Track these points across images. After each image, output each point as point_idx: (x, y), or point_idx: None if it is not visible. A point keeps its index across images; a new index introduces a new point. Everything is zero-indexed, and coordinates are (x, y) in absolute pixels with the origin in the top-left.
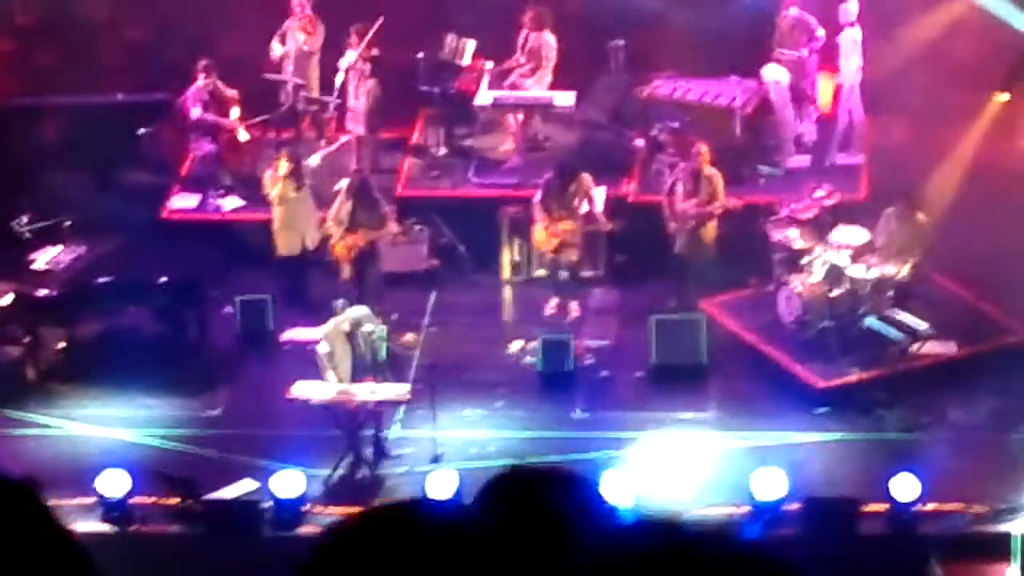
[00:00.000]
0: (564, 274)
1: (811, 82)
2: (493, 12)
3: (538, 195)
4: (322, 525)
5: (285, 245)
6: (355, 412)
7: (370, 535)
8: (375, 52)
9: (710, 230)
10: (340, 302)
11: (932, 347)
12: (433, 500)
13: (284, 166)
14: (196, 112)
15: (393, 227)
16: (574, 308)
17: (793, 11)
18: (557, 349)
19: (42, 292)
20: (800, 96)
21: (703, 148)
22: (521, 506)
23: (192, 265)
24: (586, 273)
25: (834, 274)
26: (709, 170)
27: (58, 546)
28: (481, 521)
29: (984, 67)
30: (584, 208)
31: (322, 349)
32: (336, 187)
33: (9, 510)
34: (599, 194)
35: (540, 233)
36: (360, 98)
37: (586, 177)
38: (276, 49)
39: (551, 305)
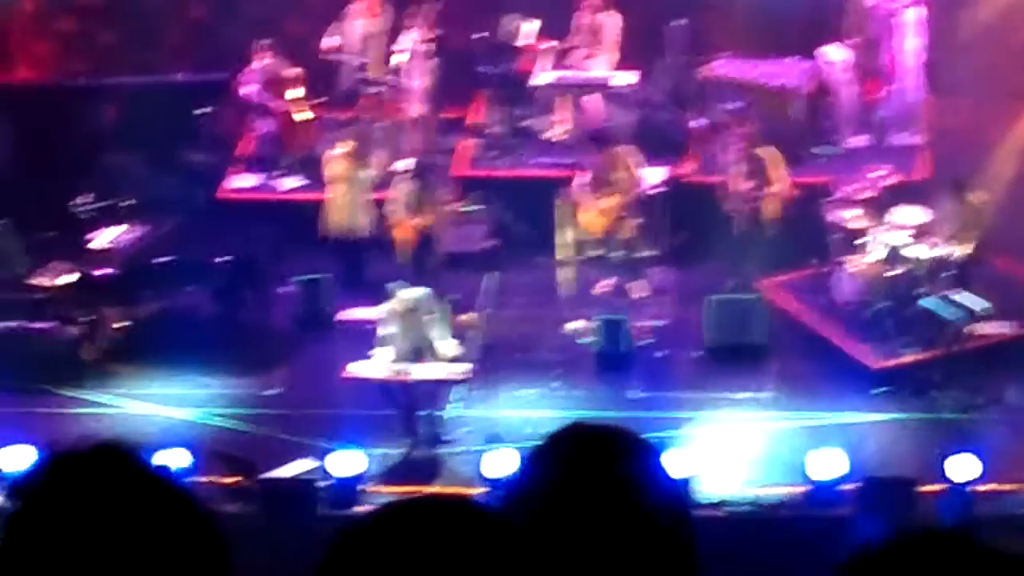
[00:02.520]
0: (618, 254)
1: (872, 62)
2: None
3: (581, 179)
4: (378, 505)
5: (333, 225)
6: (412, 391)
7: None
8: (435, 33)
9: (768, 210)
10: (394, 284)
11: (989, 327)
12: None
13: (346, 146)
14: (255, 92)
15: (454, 205)
16: (638, 288)
17: None
18: (614, 329)
19: (102, 272)
20: (860, 76)
21: (754, 129)
22: (582, 463)
23: (250, 245)
24: (644, 253)
25: (892, 254)
26: (765, 150)
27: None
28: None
29: None
30: (626, 180)
31: (382, 331)
32: (391, 167)
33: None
34: (657, 172)
35: (585, 216)
36: (419, 79)
37: (624, 149)
38: (340, 30)
39: (603, 284)
